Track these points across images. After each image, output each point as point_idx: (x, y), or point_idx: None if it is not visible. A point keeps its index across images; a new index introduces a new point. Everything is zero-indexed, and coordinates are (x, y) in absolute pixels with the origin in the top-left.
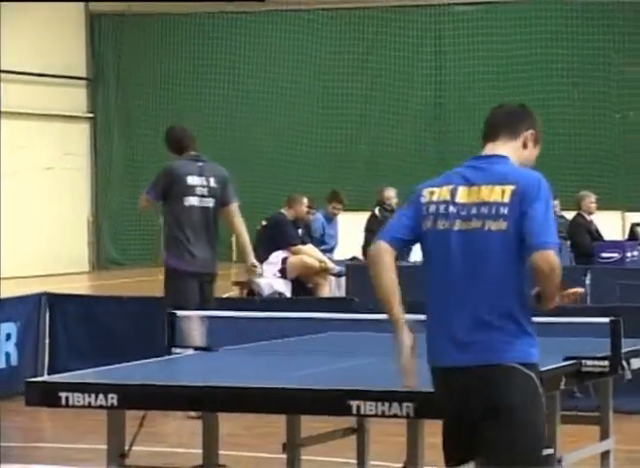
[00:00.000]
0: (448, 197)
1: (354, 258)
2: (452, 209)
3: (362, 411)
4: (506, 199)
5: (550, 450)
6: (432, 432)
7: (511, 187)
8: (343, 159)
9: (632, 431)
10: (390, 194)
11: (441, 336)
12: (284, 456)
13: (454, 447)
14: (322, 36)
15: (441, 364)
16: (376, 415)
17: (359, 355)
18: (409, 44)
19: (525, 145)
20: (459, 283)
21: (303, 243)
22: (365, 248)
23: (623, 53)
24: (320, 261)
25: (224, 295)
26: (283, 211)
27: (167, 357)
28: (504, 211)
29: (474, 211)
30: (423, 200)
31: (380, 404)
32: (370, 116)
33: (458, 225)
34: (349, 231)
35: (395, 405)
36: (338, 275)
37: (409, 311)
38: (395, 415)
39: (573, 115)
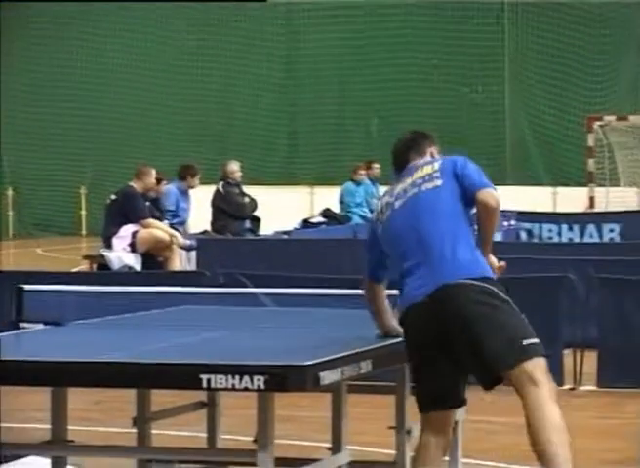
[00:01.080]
0: (389, 199)
1: (205, 232)
2: (390, 199)
3: (212, 385)
4: (436, 169)
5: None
6: (282, 405)
7: (437, 164)
8: (197, 133)
9: (480, 402)
10: (234, 168)
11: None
12: (134, 431)
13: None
14: (183, 12)
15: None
16: (226, 389)
17: (210, 329)
18: (262, 17)
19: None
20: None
21: (154, 217)
22: (213, 223)
23: (470, 27)
24: (170, 235)
25: (74, 270)
26: (132, 183)
27: (14, 331)
28: (436, 175)
29: (409, 188)
30: (373, 218)
31: (230, 377)
32: (221, 89)
33: (397, 205)
34: (202, 205)
35: (246, 378)
36: (189, 249)
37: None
38: (246, 389)
39: (421, 90)
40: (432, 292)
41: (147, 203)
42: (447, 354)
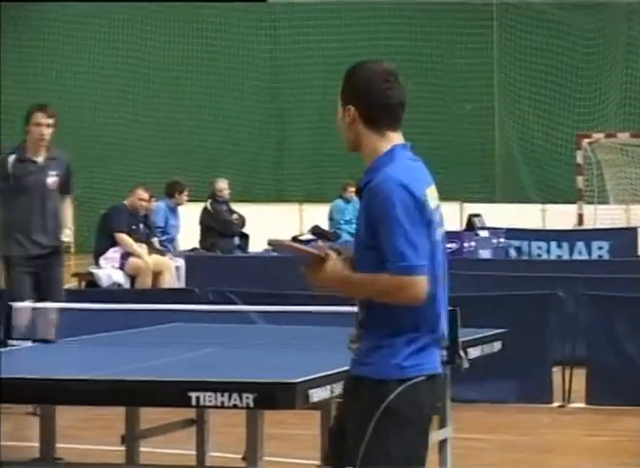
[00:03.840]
0: (436, 200)
1: (194, 249)
2: (439, 214)
3: (202, 403)
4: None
5: None
6: (272, 422)
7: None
8: (185, 150)
9: (469, 419)
10: (222, 185)
11: (439, 345)
12: (123, 448)
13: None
14: (160, 26)
15: (436, 371)
16: (215, 406)
17: (199, 346)
18: (245, 34)
19: None
20: (441, 293)
21: (145, 236)
22: (202, 241)
23: (459, 45)
24: (137, 255)
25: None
26: (125, 201)
27: (3, 349)
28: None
29: (439, 214)
30: (432, 206)
31: (219, 394)
32: (209, 106)
33: (440, 231)
34: (190, 222)
35: (235, 396)
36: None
37: None
38: (235, 406)
39: (410, 107)
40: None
41: (140, 224)
42: None
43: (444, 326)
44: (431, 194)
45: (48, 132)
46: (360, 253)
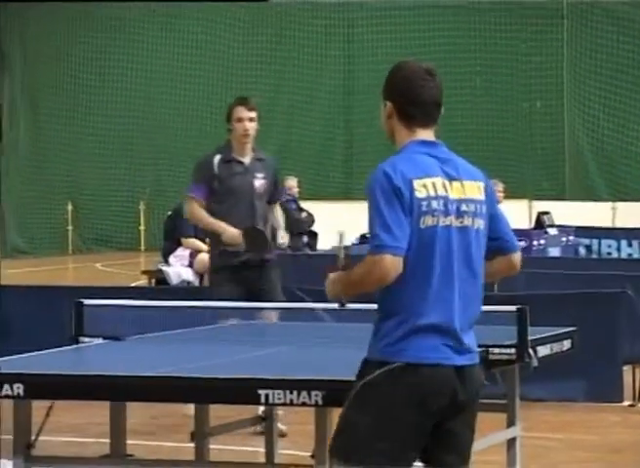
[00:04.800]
0: (444, 192)
1: None
2: (449, 205)
3: (270, 400)
4: (483, 197)
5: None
6: None
7: (482, 184)
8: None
9: (538, 418)
10: (292, 183)
11: (441, 336)
12: (192, 446)
13: (416, 445)
14: (231, 25)
15: (445, 362)
16: (284, 404)
17: (268, 344)
18: (318, 33)
19: None
20: (459, 282)
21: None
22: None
23: (530, 43)
24: None
25: (133, 284)
26: None
27: (74, 346)
28: (483, 209)
29: (464, 207)
30: (419, 195)
31: (288, 392)
32: (279, 104)
33: (455, 222)
34: None
35: (304, 393)
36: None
37: None
38: (304, 404)
39: (480, 104)
40: None
41: None
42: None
43: (446, 316)
44: (424, 185)
45: (251, 126)
46: None
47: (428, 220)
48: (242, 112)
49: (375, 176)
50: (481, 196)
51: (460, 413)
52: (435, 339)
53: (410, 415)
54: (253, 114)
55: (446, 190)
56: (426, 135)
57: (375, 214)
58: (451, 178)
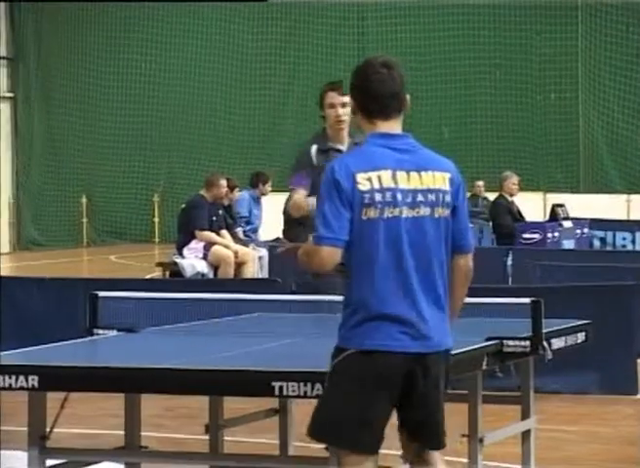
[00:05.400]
0: (392, 184)
1: (277, 240)
2: (398, 196)
3: (285, 392)
4: (448, 187)
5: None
6: None
7: (449, 175)
8: (268, 140)
9: (552, 411)
10: None
11: (393, 323)
12: (207, 438)
13: (382, 412)
14: (245, 17)
15: (400, 349)
16: (298, 396)
17: (282, 336)
18: (331, 25)
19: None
20: (413, 271)
21: (226, 226)
22: (285, 231)
23: (545, 34)
24: (235, 252)
25: (148, 277)
26: (202, 192)
27: (89, 338)
28: (448, 198)
29: (420, 197)
30: (362, 188)
31: (302, 384)
32: (292, 97)
33: (407, 212)
34: (273, 212)
35: (318, 385)
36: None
37: None
38: (318, 396)
39: (495, 97)
40: None
41: (220, 211)
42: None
43: (397, 304)
44: (368, 178)
45: (344, 112)
46: None
47: (370, 212)
48: (334, 98)
49: (325, 170)
50: (445, 186)
51: (421, 398)
52: (388, 327)
53: (369, 394)
54: (346, 99)
55: (396, 182)
56: (388, 127)
57: (319, 206)
58: (407, 169)
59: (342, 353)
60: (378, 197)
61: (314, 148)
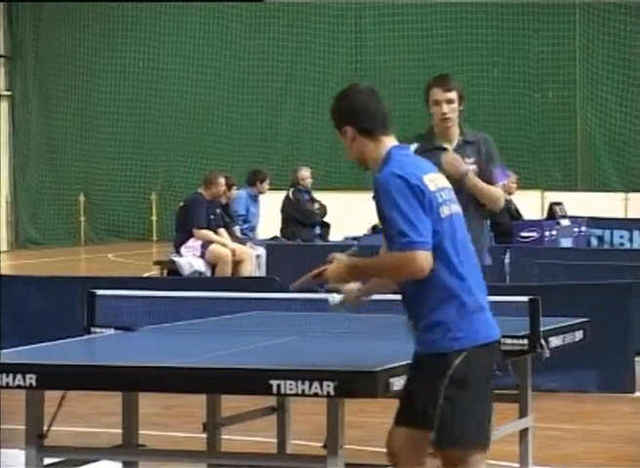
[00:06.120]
0: (440, 184)
1: (275, 238)
2: (448, 195)
3: (282, 391)
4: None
5: None
6: (352, 411)
7: None
8: (266, 138)
9: (550, 409)
10: (305, 174)
11: (485, 312)
12: (204, 436)
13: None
14: (243, 16)
15: (495, 337)
16: (296, 394)
17: (280, 334)
18: (329, 23)
19: None
20: (474, 262)
21: (224, 224)
22: (283, 230)
23: (542, 32)
24: (232, 250)
25: (145, 275)
26: (200, 191)
27: (86, 336)
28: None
29: (450, 195)
30: (433, 188)
31: (300, 383)
32: (290, 95)
33: (454, 209)
34: (270, 210)
35: (315, 384)
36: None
37: None
38: (316, 395)
39: (493, 95)
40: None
41: (218, 209)
42: None
43: (483, 292)
44: (431, 180)
45: (450, 108)
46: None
47: (445, 210)
48: (438, 94)
49: (386, 180)
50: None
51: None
52: (485, 317)
53: (490, 387)
54: (451, 95)
55: (442, 183)
56: (392, 140)
57: (396, 213)
58: (435, 171)
59: (457, 357)
60: (444, 195)
61: (413, 147)
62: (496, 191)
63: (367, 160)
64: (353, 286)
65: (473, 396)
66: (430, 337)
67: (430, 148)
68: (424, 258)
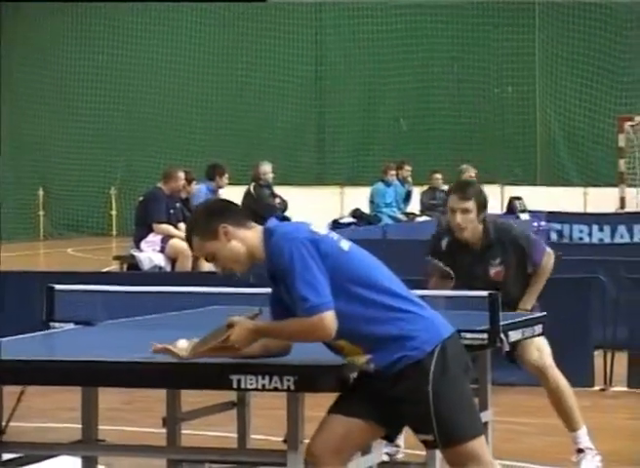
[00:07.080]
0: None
1: None
2: (336, 235)
3: (242, 385)
4: None
5: None
6: (313, 405)
7: None
8: (226, 133)
9: (510, 403)
10: (266, 169)
11: (432, 311)
12: (164, 431)
13: None
14: (203, 11)
15: (454, 330)
16: (256, 389)
17: None
18: (290, 18)
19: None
20: (395, 278)
21: (183, 219)
22: None
23: (502, 28)
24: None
25: (104, 270)
26: (160, 185)
27: (45, 331)
28: None
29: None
30: (324, 232)
31: (260, 377)
32: (250, 90)
33: (349, 243)
34: None
35: (276, 378)
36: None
37: None
38: (276, 389)
39: (453, 90)
40: None
41: (177, 204)
42: None
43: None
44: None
45: (465, 219)
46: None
47: (344, 244)
48: (453, 202)
49: (288, 246)
50: None
51: None
52: (435, 314)
53: (466, 376)
54: (467, 205)
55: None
56: (254, 223)
57: (297, 278)
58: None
59: (432, 356)
60: (334, 236)
61: (445, 242)
62: (541, 284)
63: (252, 251)
64: (186, 345)
65: (456, 380)
66: (399, 354)
67: (462, 245)
68: (331, 320)
